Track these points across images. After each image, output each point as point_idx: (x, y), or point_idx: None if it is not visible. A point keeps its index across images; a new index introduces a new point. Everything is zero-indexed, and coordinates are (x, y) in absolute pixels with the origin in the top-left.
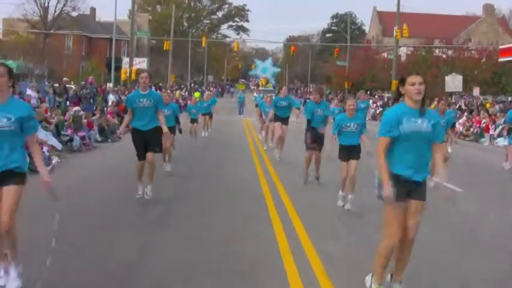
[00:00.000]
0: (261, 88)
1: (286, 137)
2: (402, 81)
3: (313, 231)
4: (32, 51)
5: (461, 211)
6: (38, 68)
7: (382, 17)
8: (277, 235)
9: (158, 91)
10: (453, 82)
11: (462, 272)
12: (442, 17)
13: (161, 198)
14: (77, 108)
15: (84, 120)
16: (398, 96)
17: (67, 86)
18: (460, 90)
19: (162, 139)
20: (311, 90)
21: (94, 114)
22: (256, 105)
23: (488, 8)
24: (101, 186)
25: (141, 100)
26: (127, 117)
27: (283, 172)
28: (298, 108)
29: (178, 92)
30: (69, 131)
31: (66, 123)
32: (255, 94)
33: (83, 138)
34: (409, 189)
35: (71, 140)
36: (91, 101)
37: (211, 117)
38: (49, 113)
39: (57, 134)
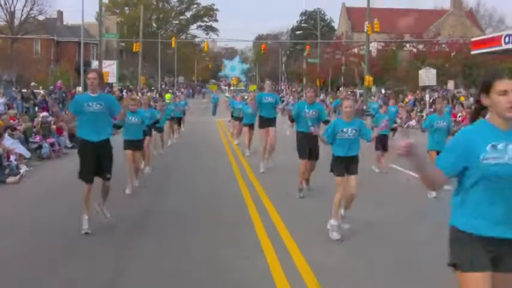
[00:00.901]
0: (232, 88)
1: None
2: (486, 88)
3: (301, 239)
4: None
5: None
6: (6, 74)
7: (350, 13)
8: (263, 245)
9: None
10: (427, 76)
11: None
12: (411, 12)
13: (135, 209)
14: (45, 114)
15: (53, 126)
16: (478, 111)
17: (35, 91)
18: (434, 84)
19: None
20: (283, 88)
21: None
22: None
23: (456, 2)
24: (72, 195)
25: (90, 104)
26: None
27: (263, 176)
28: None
29: (149, 94)
30: (37, 138)
31: (34, 130)
32: (226, 94)
33: (52, 144)
34: (498, 254)
35: (40, 147)
36: (60, 106)
37: (179, 122)
38: (16, 120)
39: (26, 142)
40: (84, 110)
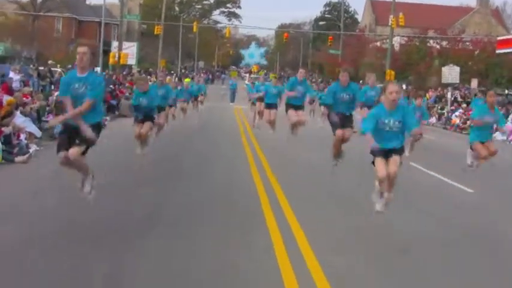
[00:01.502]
0: (252, 75)
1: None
2: None
3: (316, 241)
4: (20, 33)
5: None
6: (26, 51)
7: (375, 6)
8: (274, 244)
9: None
10: (450, 73)
11: None
12: (436, 7)
13: (142, 200)
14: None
15: None
16: None
17: (52, 69)
18: (457, 81)
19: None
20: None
21: None
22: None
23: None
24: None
25: (76, 85)
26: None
27: (280, 169)
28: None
29: (168, 78)
30: (50, 117)
31: (48, 109)
32: (246, 82)
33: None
34: None
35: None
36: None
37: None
38: (29, 98)
39: (38, 120)
40: (72, 92)
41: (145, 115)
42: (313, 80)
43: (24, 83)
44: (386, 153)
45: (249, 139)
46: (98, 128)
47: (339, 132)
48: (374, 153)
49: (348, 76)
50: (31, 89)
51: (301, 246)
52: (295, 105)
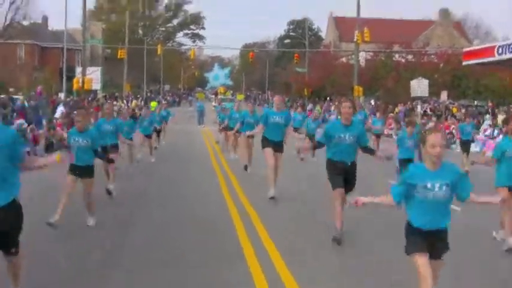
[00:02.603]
0: (219, 96)
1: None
2: None
3: (302, 274)
4: None
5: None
6: None
7: (338, 23)
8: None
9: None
10: (419, 86)
11: None
12: (398, 22)
13: (107, 227)
14: (21, 121)
15: (29, 134)
16: None
17: (14, 97)
18: (426, 94)
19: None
20: (269, 97)
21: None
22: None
23: (444, 13)
24: (45, 210)
25: None
26: None
27: (252, 191)
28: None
29: (134, 102)
30: None
31: None
32: (213, 103)
33: (27, 153)
34: None
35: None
36: (40, 112)
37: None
38: None
39: None
40: None
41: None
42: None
43: None
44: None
45: (220, 162)
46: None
47: (339, 192)
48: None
49: (351, 108)
50: None
51: (281, 274)
52: (272, 141)
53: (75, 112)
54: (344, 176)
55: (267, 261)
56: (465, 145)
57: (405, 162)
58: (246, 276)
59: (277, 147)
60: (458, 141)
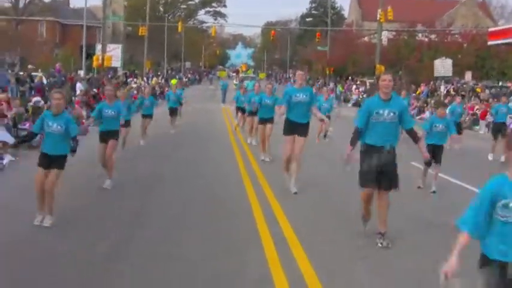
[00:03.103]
0: (241, 75)
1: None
2: None
3: (319, 262)
4: (3, 38)
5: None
6: (8, 56)
7: (361, 2)
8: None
9: (131, 78)
10: (443, 66)
11: None
12: (422, 1)
13: (121, 212)
14: (37, 98)
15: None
16: None
17: (33, 74)
18: (450, 74)
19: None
20: (290, 75)
21: None
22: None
23: None
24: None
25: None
26: None
27: (273, 177)
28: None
29: (154, 79)
30: (27, 125)
31: (25, 115)
32: (235, 81)
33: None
34: None
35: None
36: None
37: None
38: (4, 104)
39: (15, 128)
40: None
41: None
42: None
43: (3, 89)
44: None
45: (239, 142)
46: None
47: (367, 193)
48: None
49: (392, 81)
50: (5, 94)
51: (301, 267)
52: (296, 123)
53: (95, 90)
54: (379, 168)
55: (287, 256)
56: (498, 128)
57: (435, 148)
58: (262, 263)
59: (301, 130)
60: (488, 123)
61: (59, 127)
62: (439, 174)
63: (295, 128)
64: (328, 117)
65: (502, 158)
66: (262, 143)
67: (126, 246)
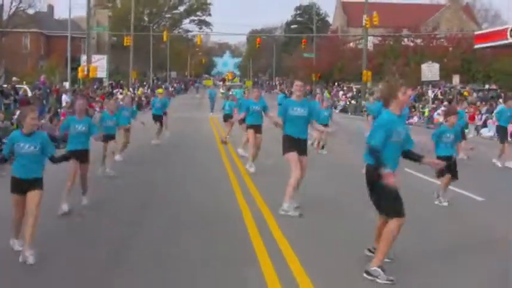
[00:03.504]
0: (228, 83)
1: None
2: None
3: (318, 276)
4: None
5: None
6: None
7: (346, 8)
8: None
9: (118, 89)
10: (430, 71)
11: None
12: (407, 6)
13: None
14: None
15: None
16: None
17: (17, 86)
18: (437, 79)
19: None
20: (276, 83)
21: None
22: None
23: None
24: (47, 205)
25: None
26: None
27: (265, 187)
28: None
29: (140, 89)
30: None
31: (10, 129)
32: (221, 90)
33: None
34: None
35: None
36: (44, 102)
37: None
38: None
39: None
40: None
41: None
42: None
43: None
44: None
45: (228, 151)
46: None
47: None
48: None
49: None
50: None
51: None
52: (297, 140)
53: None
54: None
55: (281, 264)
56: (503, 132)
57: (444, 160)
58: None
59: (303, 148)
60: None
61: (31, 148)
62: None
63: (298, 144)
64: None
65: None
66: (251, 147)
67: (126, 250)
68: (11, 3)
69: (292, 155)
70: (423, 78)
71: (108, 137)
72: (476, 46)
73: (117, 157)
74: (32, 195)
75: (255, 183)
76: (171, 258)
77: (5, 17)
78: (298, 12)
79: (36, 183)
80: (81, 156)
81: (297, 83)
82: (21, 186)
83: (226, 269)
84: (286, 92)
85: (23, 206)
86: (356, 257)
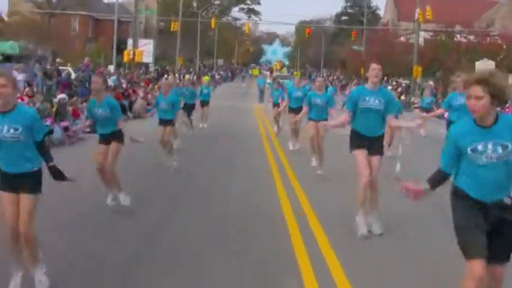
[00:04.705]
0: (276, 73)
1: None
2: None
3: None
4: (36, 32)
5: None
6: (40, 50)
7: (397, 1)
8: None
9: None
10: (485, 68)
11: None
12: (460, 2)
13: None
14: (62, 96)
15: (69, 108)
16: None
17: (60, 68)
18: None
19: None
20: (324, 75)
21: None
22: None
23: None
24: (83, 189)
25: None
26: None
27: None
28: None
29: (187, 76)
30: (48, 121)
31: (47, 111)
32: (268, 80)
33: (66, 129)
34: None
35: (51, 131)
36: (86, 85)
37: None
38: (25, 99)
39: None
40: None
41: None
42: (335, 77)
43: (29, 83)
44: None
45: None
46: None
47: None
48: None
49: None
50: (29, 89)
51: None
52: (367, 137)
53: (123, 86)
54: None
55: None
56: None
57: None
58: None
59: (375, 146)
60: None
61: (11, 131)
62: None
63: (367, 143)
64: None
65: None
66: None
67: (145, 256)
68: None
69: (360, 155)
70: None
71: (164, 122)
72: None
73: (178, 142)
74: (22, 212)
75: (303, 187)
76: (200, 260)
77: None
78: (349, 4)
79: (27, 181)
80: (111, 138)
81: (374, 66)
82: (10, 183)
83: (263, 278)
84: (334, 84)
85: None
86: None
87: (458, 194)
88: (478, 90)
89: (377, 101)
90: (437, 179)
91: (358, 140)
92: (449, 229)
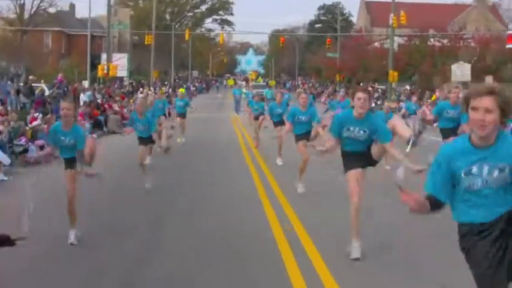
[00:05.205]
0: (251, 83)
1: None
2: None
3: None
4: (8, 49)
5: None
6: (13, 67)
7: (370, 8)
8: None
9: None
10: (460, 71)
11: None
12: (432, 6)
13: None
14: (36, 122)
15: (44, 126)
16: None
17: (34, 85)
18: (469, 79)
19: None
20: (299, 83)
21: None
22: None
23: None
24: (58, 211)
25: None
26: None
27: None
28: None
29: (162, 88)
30: (23, 140)
31: (21, 130)
32: (244, 90)
33: (42, 147)
34: None
35: (26, 150)
36: (60, 101)
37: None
38: None
39: (9, 144)
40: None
41: None
42: (311, 85)
43: (2, 102)
44: None
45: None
46: None
47: None
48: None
49: None
50: (9, 107)
51: None
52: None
53: (98, 101)
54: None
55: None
56: None
57: None
58: None
59: (370, 158)
60: None
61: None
62: None
63: (360, 163)
64: None
65: None
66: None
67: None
68: (33, 2)
69: (352, 176)
70: (453, 79)
71: (143, 140)
72: (508, 45)
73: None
74: None
75: (291, 204)
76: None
77: (26, 15)
78: (322, 11)
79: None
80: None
81: (359, 95)
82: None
83: None
84: (312, 92)
85: None
86: None
87: (463, 232)
88: (489, 101)
89: (361, 132)
90: (432, 201)
91: (351, 158)
92: (449, 247)
